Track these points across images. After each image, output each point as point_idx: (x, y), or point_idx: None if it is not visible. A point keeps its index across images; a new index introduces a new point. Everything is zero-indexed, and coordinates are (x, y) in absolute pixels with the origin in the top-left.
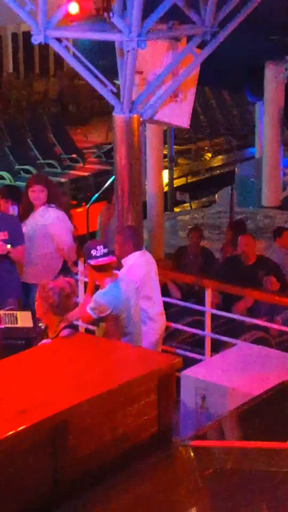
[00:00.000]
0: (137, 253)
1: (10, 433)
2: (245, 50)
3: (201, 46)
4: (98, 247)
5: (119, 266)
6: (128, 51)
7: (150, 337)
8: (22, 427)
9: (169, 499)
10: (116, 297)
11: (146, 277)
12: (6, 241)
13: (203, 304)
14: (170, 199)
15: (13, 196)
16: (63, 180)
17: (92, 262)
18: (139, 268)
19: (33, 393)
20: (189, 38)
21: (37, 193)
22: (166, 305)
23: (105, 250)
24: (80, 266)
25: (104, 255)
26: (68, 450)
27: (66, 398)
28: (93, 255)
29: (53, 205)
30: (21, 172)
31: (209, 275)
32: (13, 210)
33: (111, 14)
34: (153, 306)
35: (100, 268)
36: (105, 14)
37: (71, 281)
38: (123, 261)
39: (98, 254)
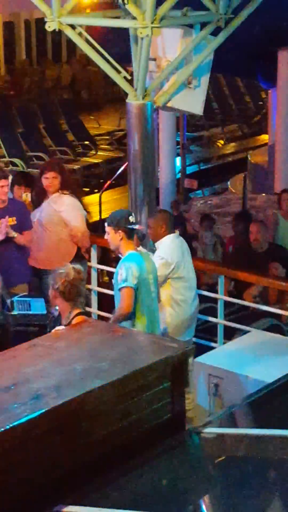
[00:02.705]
0: (171, 235)
1: (24, 419)
2: (258, 37)
3: (215, 33)
4: (131, 214)
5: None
6: (142, 38)
7: (174, 320)
8: (36, 414)
9: (181, 486)
10: (140, 263)
11: (181, 259)
12: (14, 226)
13: (215, 291)
14: (183, 186)
15: (26, 183)
16: (75, 167)
17: (137, 227)
18: (175, 249)
19: (46, 380)
20: (203, 25)
21: (50, 179)
22: None
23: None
24: (93, 253)
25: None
26: (82, 436)
27: (80, 385)
28: (131, 221)
29: (67, 192)
30: (34, 159)
31: (222, 263)
32: (27, 196)
33: (125, 1)
34: (187, 288)
35: (134, 235)
36: (120, 1)
37: (77, 267)
38: (156, 244)
39: (134, 221)
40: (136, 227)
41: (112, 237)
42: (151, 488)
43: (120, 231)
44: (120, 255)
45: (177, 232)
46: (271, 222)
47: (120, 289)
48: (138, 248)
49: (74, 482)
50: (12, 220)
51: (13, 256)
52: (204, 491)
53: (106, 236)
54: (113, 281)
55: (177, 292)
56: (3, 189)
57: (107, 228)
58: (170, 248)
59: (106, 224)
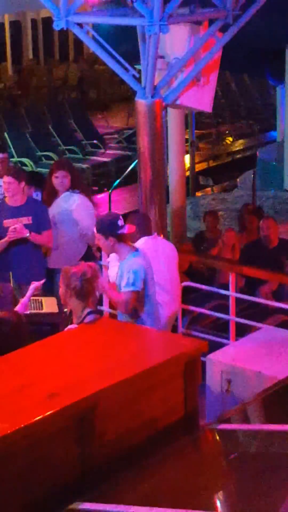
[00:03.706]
0: (143, 238)
1: (38, 417)
2: (266, 33)
3: (223, 29)
4: (119, 218)
5: None
6: (150, 36)
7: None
8: (50, 412)
9: (195, 482)
10: (145, 263)
11: (153, 262)
12: (29, 226)
13: (227, 288)
14: (192, 183)
15: (36, 182)
16: (84, 166)
17: (125, 230)
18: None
19: (60, 378)
20: (211, 22)
21: (60, 178)
22: (191, 289)
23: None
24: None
25: (124, 225)
26: (96, 434)
27: (93, 383)
28: (120, 225)
29: (77, 191)
30: (43, 158)
31: (233, 259)
32: (37, 196)
33: None
34: (159, 293)
35: (127, 238)
36: None
37: (93, 265)
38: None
39: (122, 224)
40: (125, 231)
41: (104, 244)
42: (166, 485)
43: (110, 238)
44: (119, 258)
45: (154, 233)
46: None
47: (123, 292)
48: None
49: (88, 480)
50: (27, 220)
51: (28, 255)
52: (218, 488)
53: (96, 242)
54: (116, 281)
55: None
56: (10, 186)
57: (97, 235)
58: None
59: (95, 230)
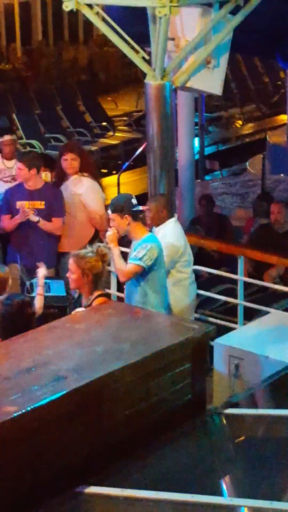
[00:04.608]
0: (172, 220)
1: (46, 400)
2: (276, 16)
3: (234, 12)
4: (133, 197)
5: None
6: (160, 18)
7: (184, 301)
8: (58, 395)
9: (202, 467)
10: (159, 244)
11: (185, 243)
12: (42, 211)
13: (235, 272)
14: (201, 167)
15: (45, 164)
16: (93, 148)
17: (141, 208)
18: (179, 233)
19: (68, 361)
20: (222, 4)
21: (69, 161)
22: (199, 273)
23: None
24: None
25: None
26: (104, 417)
27: (102, 366)
28: (135, 203)
29: (86, 174)
30: (52, 140)
31: (242, 243)
32: (46, 176)
33: None
34: (192, 271)
35: (140, 217)
36: None
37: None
38: (157, 229)
39: (137, 203)
40: (141, 208)
41: (119, 223)
42: (173, 469)
43: (126, 216)
44: (133, 239)
45: (176, 216)
46: None
47: (129, 263)
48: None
49: (96, 464)
50: (40, 204)
51: (39, 240)
52: (225, 471)
53: (112, 224)
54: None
55: (186, 276)
56: (20, 172)
57: (112, 216)
58: (175, 233)
59: (109, 211)
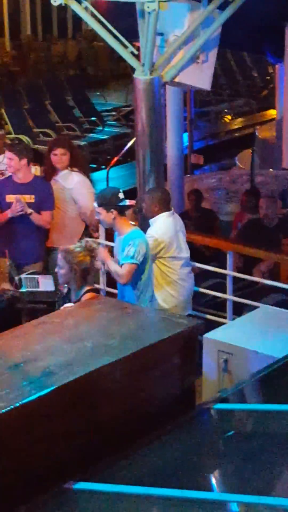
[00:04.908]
0: (165, 214)
1: (35, 396)
2: (265, 11)
3: (223, 7)
4: (120, 191)
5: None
6: (149, 13)
7: (175, 298)
8: (46, 391)
9: (191, 462)
10: (145, 239)
11: (173, 238)
12: (31, 205)
13: (225, 267)
14: (190, 162)
15: (34, 159)
16: (82, 143)
17: (128, 202)
18: (168, 228)
19: (56, 357)
20: None
21: (59, 156)
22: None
23: None
24: (101, 230)
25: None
26: (93, 413)
27: (91, 361)
28: (121, 198)
29: (76, 169)
30: (40, 135)
31: (231, 238)
32: (36, 170)
33: None
34: (182, 266)
35: (125, 211)
36: None
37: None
38: (150, 221)
39: (123, 197)
40: (127, 202)
41: (105, 216)
42: (162, 464)
43: (112, 210)
44: (117, 233)
45: (172, 209)
46: None
47: (123, 264)
48: (133, 223)
49: (85, 459)
50: (29, 198)
51: (28, 234)
52: (214, 467)
53: (97, 217)
54: (115, 254)
55: (174, 272)
56: (11, 161)
57: (98, 209)
58: (161, 228)
59: (96, 205)
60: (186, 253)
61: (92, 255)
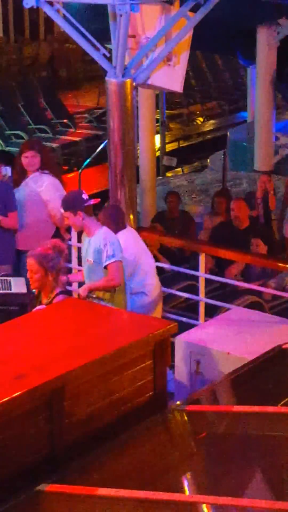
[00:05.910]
0: (120, 232)
1: (6, 398)
2: (237, 14)
3: (194, 9)
4: (82, 192)
5: None
6: (121, 15)
7: (146, 310)
8: (18, 393)
9: (163, 463)
10: (113, 234)
11: (141, 253)
12: None
13: (196, 269)
14: (162, 164)
15: (6, 161)
16: (54, 145)
17: (91, 202)
18: (131, 245)
19: (28, 359)
20: (182, 1)
21: (30, 159)
22: (160, 270)
23: None
24: (73, 232)
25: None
26: (64, 415)
27: (62, 364)
28: (85, 198)
29: (47, 172)
30: (13, 137)
31: (202, 240)
32: (6, 171)
33: None
34: (150, 279)
35: (89, 211)
36: None
37: (60, 242)
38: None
39: (87, 198)
40: (92, 202)
41: (74, 220)
42: (134, 466)
43: (79, 212)
44: (87, 234)
45: (127, 226)
46: None
47: (108, 265)
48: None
49: (57, 462)
50: None
51: None
52: (186, 468)
53: (66, 222)
54: (83, 256)
55: (142, 284)
56: None
57: (66, 214)
58: (123, 248)
59: (62, 210)
60: (152, 262)
61: (62, 256)
